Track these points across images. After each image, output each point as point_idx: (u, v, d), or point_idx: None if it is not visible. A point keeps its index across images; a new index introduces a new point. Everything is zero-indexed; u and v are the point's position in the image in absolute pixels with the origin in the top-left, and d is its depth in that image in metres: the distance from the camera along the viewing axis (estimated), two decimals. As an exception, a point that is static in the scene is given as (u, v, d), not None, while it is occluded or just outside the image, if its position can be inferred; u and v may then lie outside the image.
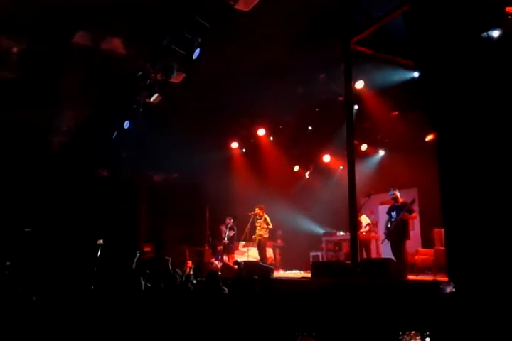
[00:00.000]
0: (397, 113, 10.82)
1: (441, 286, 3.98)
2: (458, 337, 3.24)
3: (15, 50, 8.58)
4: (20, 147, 11.76)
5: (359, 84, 9.63)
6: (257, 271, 7.77)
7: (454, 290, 3.87)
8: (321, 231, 12.57)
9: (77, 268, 8.94)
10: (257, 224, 11.01)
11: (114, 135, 11.73)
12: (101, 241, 9.12)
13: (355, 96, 8.95)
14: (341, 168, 12.68)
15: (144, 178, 14.72)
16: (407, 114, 10.43)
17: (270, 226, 10.96)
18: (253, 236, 11.16)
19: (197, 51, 8.13)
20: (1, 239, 11.60)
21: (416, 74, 8.51)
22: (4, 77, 9.64)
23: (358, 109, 10.04)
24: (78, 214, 12.94)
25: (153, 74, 9.71)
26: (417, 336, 2.68)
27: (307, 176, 13.95)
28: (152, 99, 10.22)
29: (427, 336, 2.62)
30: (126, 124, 11.19)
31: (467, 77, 4.67)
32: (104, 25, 8.50)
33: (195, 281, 6.14)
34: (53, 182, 12.53)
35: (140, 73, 9.92)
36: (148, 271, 6.44)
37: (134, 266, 7.69)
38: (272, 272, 8.43)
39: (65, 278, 6.68)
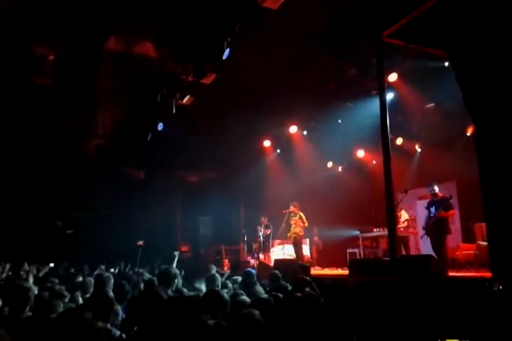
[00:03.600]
0: (433, 105, 10.55)
1: (487, 284, 3.82)
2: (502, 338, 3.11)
3: (50, 57, 8.83)
4: (58, 151, 12.11)
5: (392, 77, 9.43)
6: (293, 269, 7.74)
7: (500, 287, 3.71)
8: (357, 227, 12.41)
9: (118, 268, 9.15)
10: (292, 222, 10.92)
11: (149, 137, 11.93)
12: (141, 242, 9.27)
13: (389, 89, 8.77)
14: (374, 162, 12.47)
15: (179, 179, 14.93)
16: (443, 106, 10.15)
17: (306, 225, 10.84)
18: (288, 234, 11.09)
19: (227, 51, 8.14)
20: (43, 240, 12.00)
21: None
22: (42, 84, 9.93)
23: (392, 102, 9.83)
24: (117, 215, 13.24)
25: (184, 76, 9.78)
26: None
27: (340, 170, 13.86)
28: (184, 101, 10.32)
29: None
30: (160, 126, 11.36)
31: (505, 68, 4.49)
32: (135, 29, 8.63)
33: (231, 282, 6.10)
34: (90, 184, 12.85)
35: (171, 75, 10.03)
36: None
37: (175, 266, 7.73)
38: (309, 270, 8.36)
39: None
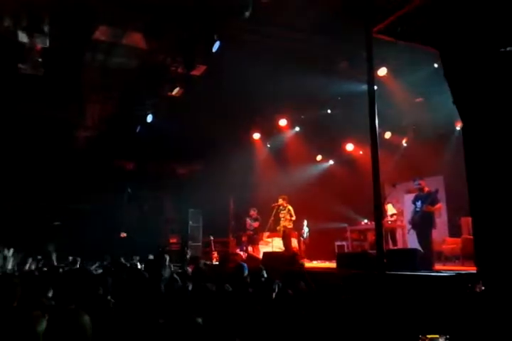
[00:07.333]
0: (421, 99, 10.61)
1: (469, 285, 3.85)
2: (485, 335, 3.16)
3: (38, 47, 8.70)
4: (46, 142, 12.00)
5: (382, 71, 9.47)
6: (282, 261, 7.79)
7: (483, 288, 3.75)
8: (345, 220, 12.50)
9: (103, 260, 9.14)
10: (281, 215, 10.96)
11: (138, 129, 11.87)
12: (124, 234, 9.21)
13: (378, 83, 8.79)
14: (361, 152, 12.59)
15: (168, 171, 14.89)
16: (432, 100, 10.21)
17: (293, 218, 10.89)
18: (277, 228, 11.15)
19: (217, 44, 8.12)
20: (30, 231, 11.93)
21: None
22: (30, 74, 9.80)
23: (381, 97, 9.85)
24: (104, 206, 13.19)
25: (174, 68, 9.72)
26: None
27: (331, 162, 13.97)
28: (174, 93, 10.27)
29: (448, 339, 2.56)
30: (150, 118, 11.32)
31: (496, 66, 4.51)
32: (125, 19, 8.53)
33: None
34: (79, 176, 12.78)
35: (161, 67, 9.96)
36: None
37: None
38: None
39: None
